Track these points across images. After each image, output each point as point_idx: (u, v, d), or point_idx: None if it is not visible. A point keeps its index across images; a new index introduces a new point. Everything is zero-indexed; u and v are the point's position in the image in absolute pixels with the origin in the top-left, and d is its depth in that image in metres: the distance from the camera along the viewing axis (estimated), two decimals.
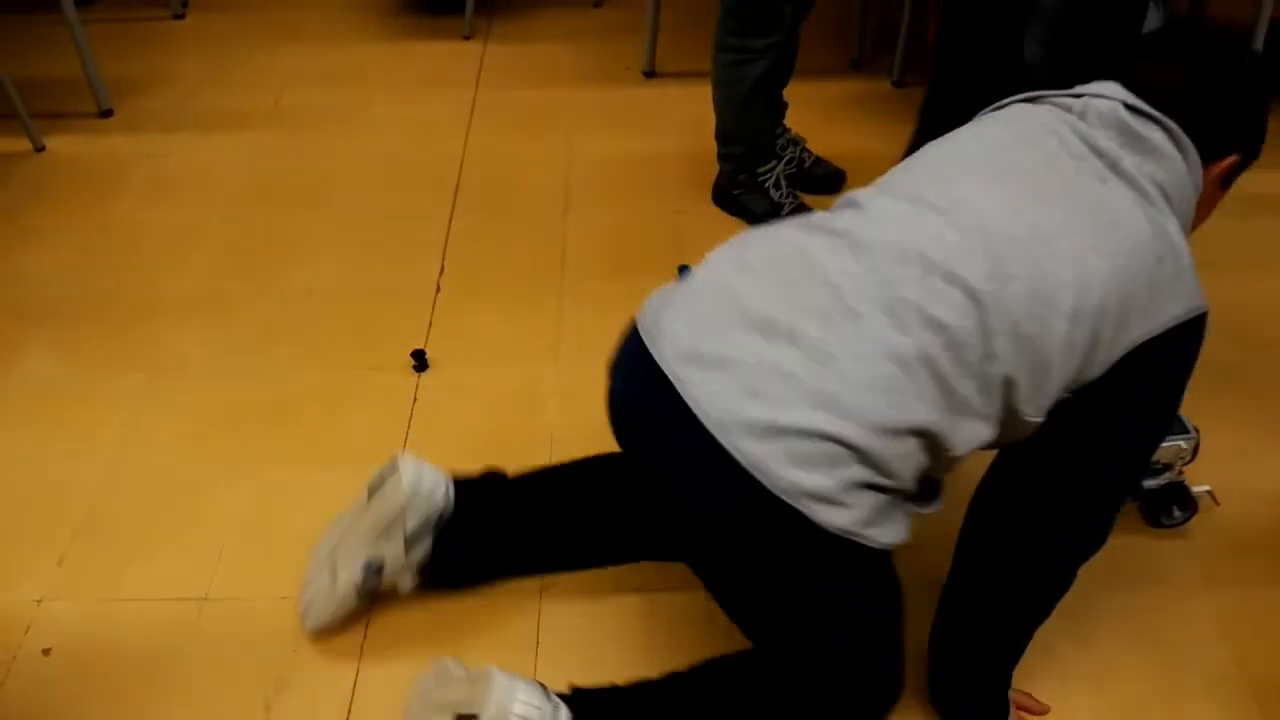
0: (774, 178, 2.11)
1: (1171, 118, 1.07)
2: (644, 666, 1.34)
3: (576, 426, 1.69)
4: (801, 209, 2.09)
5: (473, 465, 1.62)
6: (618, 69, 2.66)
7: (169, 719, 1.31)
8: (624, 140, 2.39)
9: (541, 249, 2.07)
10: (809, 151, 2.23)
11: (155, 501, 1.58)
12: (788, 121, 2.18)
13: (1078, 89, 1.14)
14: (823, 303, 1.03)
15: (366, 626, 1.40)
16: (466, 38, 2.79)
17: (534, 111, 2.50)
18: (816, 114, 2.45)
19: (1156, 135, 1.07)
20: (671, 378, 1.05)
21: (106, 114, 2.51)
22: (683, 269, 1.96)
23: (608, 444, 1.64)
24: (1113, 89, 1.11)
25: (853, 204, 1.14)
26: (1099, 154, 1.07)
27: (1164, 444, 1.42)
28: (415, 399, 1.74)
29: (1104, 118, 1.09)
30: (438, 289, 1.97)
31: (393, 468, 1.35)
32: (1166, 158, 1.07)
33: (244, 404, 1.74)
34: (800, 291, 1.05)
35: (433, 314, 1.92)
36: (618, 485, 1.38)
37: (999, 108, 1.20)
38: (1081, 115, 1.10)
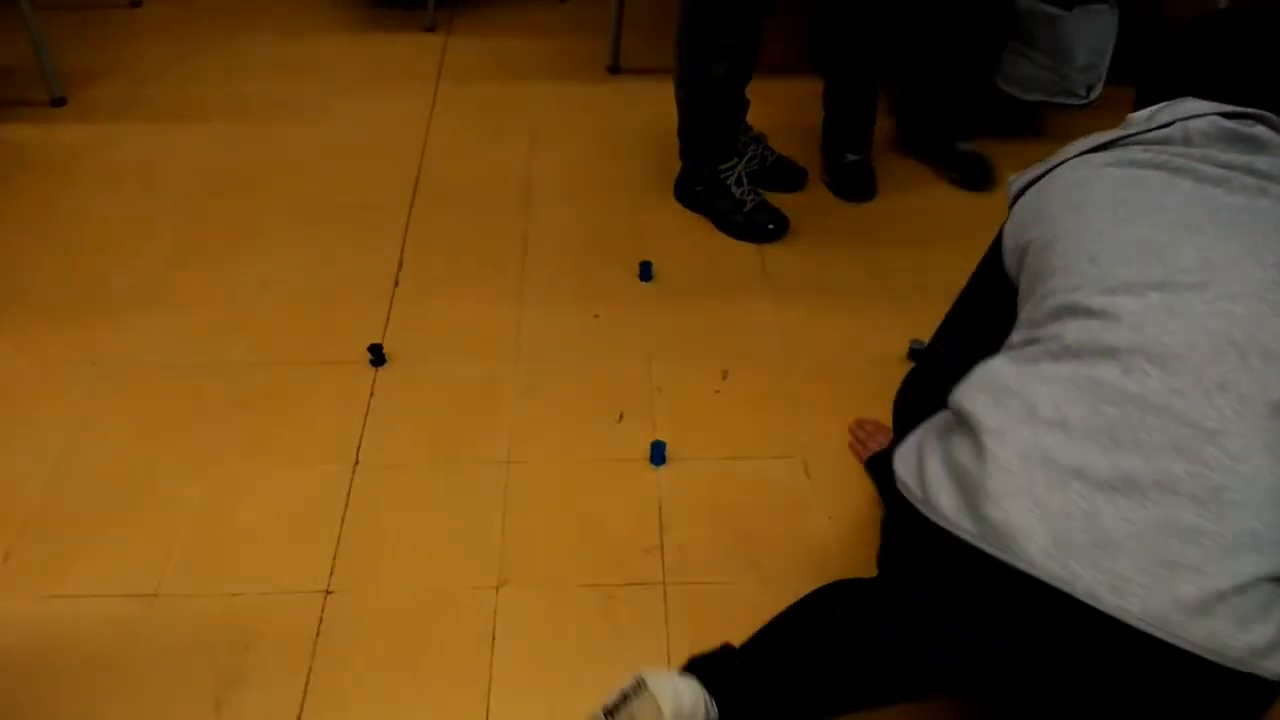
0: (735, 175, 2.09)
1: (1259, 107, 1.05)
2: (602, 662, 1.35)
3: (535, 421, 1.68)
4: (763, 207, 2.08)
5: (429, 459, 1.62)
6: (582, 64, 2.65)
7: (117, 717, 1.29)
8: (587, 135, 2.38)
9: (503, 243, 2.06)
10: (771, 149, 2.23)
11: (105, 496, 1.56)
12: (750, 119, 2.18)
13: (1153, 120, 1.10)
14: (1169, 434, 0.91)
15: (320, 623, 1.39)
16: (428, 30, 2.77)
17: (496, 105, 2.48)
18: (778, 111, 2.45)
19: (1259, 130, 1.04)
20: (1055, 581, 0.90)
21: (59, 103, 2.46)
22: (644, 264, 1.98)
23: (567, 436, 1.65)
24: (1193, 105, 1.08)
25: (1083, 313, 1.00)
26: (1235, 169, 1.03)
27: None
28: (372, 394, 1.73)
29: (1209, 135, 1.05)
30: (396, 282, 1.96)
31: (638, 686, 1.12)
32: (1277, 146, 1.05)
33: (197, 397, 1.72)
34: (1133, 432, 0.93)
35: (391, 308, 1.90)
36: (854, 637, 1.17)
37: (1074, 166, 1.13)
38: (1186, 142, 1.06)
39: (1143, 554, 0.89)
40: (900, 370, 1.78)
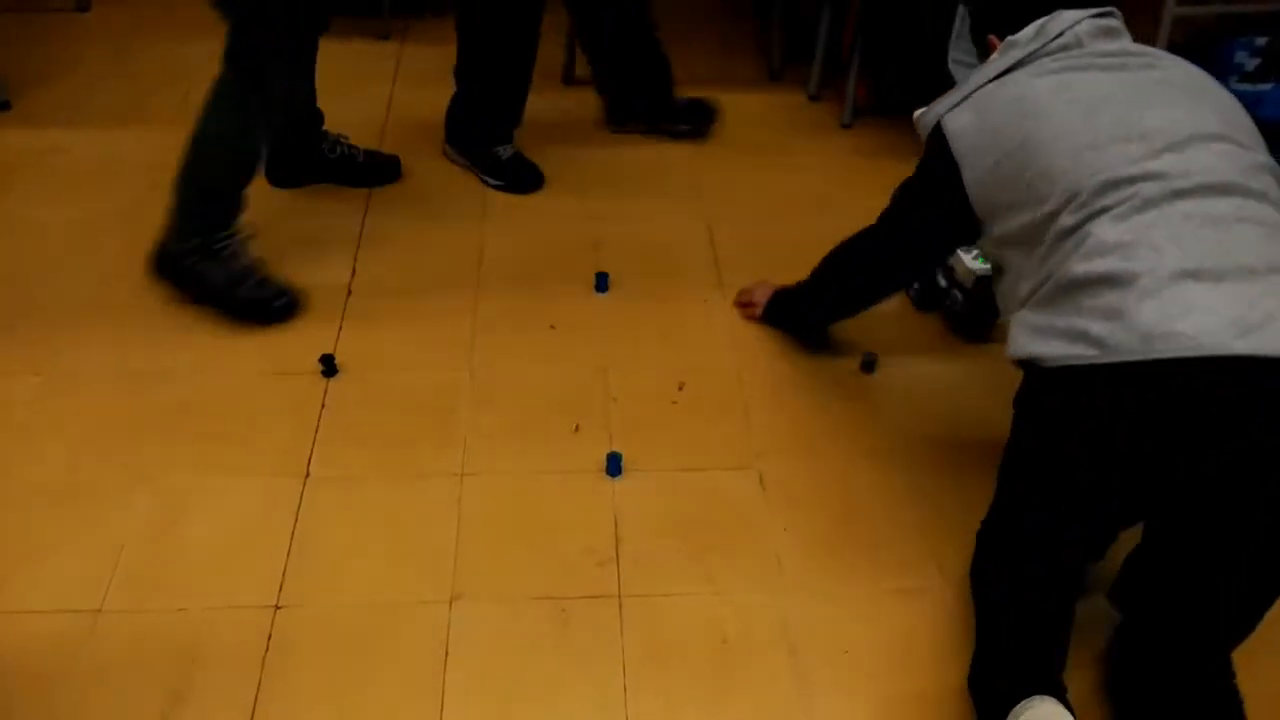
0: (232, 245, 1.84)
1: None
2: (557, 676, 1.34)
3: (489, 432, 1.67)
4: (267, 280, 1.85)
5: (381, 471, 1.60)
6: (537, 76, 2.64)
7: None
8: (542, 145, 2.38)
9: (457, 253, 2.05)
10: (353, 146, 2.20)
11: (47, 510, 1.52)
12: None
13: (1044, 34, 1.37)
14: (1257, 234, 1.20)
15: (269, 639, 1.37)
16: (384, 38, 2.75)
17: None
18: (735, 125, 2.48)
19: (1114, 22, 1.39)
20: (1254, 352, 1.11)
21: (4, 107, 2.41)
22: (600, 276, 1.98)
23: (522, 447, 1.64)
24: (1069, 14, 1.37)
25: (1126, 182, 1.22)
26: (1121, 55, 1.35)
27: None
28: (324, 405, 1.71)
29: (1091, 35, 1.36)
30: (349, 292, 1.94)
31: None
32: (1125, 31, 1.40)
33: (144, 408, 1.68)
34: (1233, 240, 1.18)
35: (343, 318, 1.88)
36: None
37: (999, 86, 1.38)
38: (1079, 45, 1.36)
39: None
40: (854, 381, 1.81)
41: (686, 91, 2.55)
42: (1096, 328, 1.18)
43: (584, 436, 1.68)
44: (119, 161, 2.26)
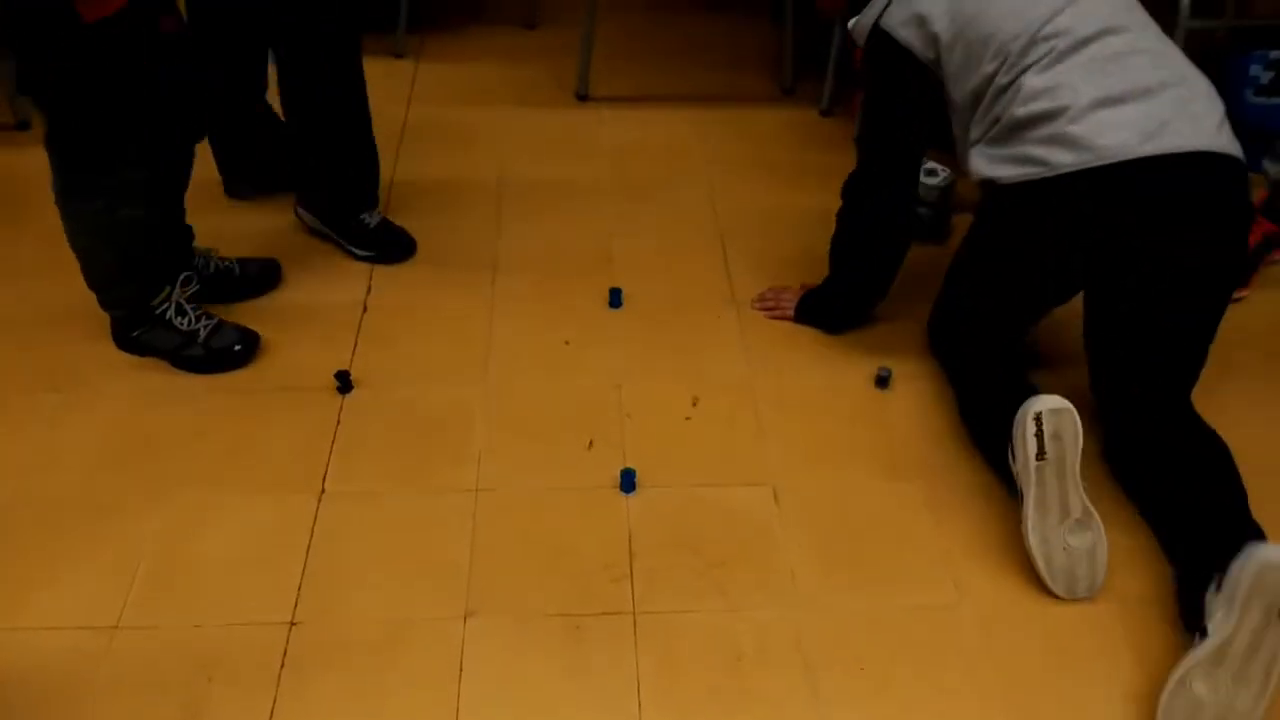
0: (172, 305, 1.78)
1: None
2: (571, 693, 1.34)
3: (504, 447, 1.68)
4: (221, 328, 1.79)
5: (396, 487, 1.60)
6: (551, 91, 2.66)
7: None
8: (556, 161, 2.39)
9: (471, 268, 2.06)
10: (226, 259, 1.96)
11: (64, 525, 1.53)
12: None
13: None
14: (1146, 62, 1.52)
15: (284, 655, 1.37)
16: (398, 56, 2.77)
17: (466, 131, 2.49)
18: (747, 140, 2.48)
19: None
20: (1165, 150, 1.45)
21: (23, 126, 2.44)
22: (614, 291, 1.98)
23: (536, 463, 1.64)
24: None
25: (1043, 39, 1.52)
26: None
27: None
28: (339, 421, 1.71)
29: None
30: (364, 308, 1.95)
31: (1040, 419, 1.43)
32: None
33: (161, 424, 1.69)
34: (1132, 68, 1.51)
35: (358, 334, 1.89)
36: None
37: None
38: None
39: (1186, 122, 1.46)
40: (868, 396, 1.80)
41: (702, 107, 2.57)
42: (1039, 152, 1.51)
43: (598, 452, 1.68)
44: None
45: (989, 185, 1.62)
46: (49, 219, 2.16)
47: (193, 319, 1.77)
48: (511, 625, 1.42)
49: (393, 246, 2.08)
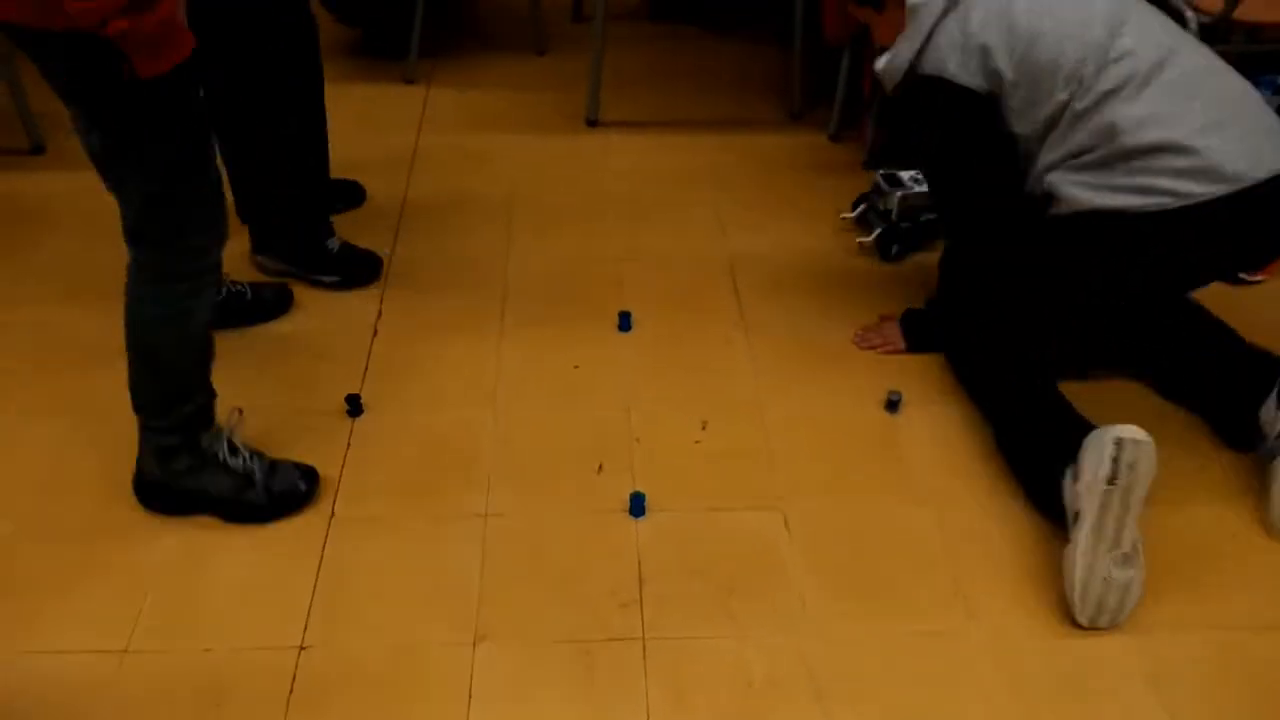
0: (224, 443, 1.57)
1: None
2: (581, 718, 1.33)
3: (514, 473, 1.68)
4: (276, 466, 1.60)
5: (406, 511, 1.60)
6: (560, 117, 2.68)
7: None
8: (566, 187, 2.40)
9: (482, 293, 2.07)
10: (238, 283, 1.93)
11: (76, 550, 1.53)
12: None
13: None
14: (1219, 86, 1.59)
15: (293, 681, 1.37)
16: (409, 82, 2.80)
17: (476, 156, 2.50)
18: (756, 165, 2.49)
19: None
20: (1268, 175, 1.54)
21: (38, 150, 2.46)
22: (623, 315, 1.99)
23: (545, 487, 1.64)
24: None
25: (1113, 61, 1.55)
26: None
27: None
28: (349, 445, 1.72)
29: None
30: (375, 332, 1.96)
31: (1120, 444, 1.41)
32: None
33: None
34: (1212, 92, 1.57)
35: (369, 358, 1.90)
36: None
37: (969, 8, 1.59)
38: None
39: (1269, 139, 1.56)
40: (879, 419, 1.80)
41: (710, 131, 2.58)
42: (1165, 183, 1.53)
43: (607, 476, 1.68)
44: None
45: (1090, 217, 1.60)
46: (61, 246, 2.18)
47: (246, 458, 1.57)
48: (521, 651, 1.41)
49: (359, 268, 2.06)
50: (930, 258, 2.19)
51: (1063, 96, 1.56)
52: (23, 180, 2.36)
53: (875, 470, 1.70)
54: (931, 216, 2.18)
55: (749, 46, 3.03)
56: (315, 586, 1.49)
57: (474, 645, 1.42)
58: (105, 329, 1.94)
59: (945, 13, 1.59)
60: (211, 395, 1.56)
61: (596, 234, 2.26)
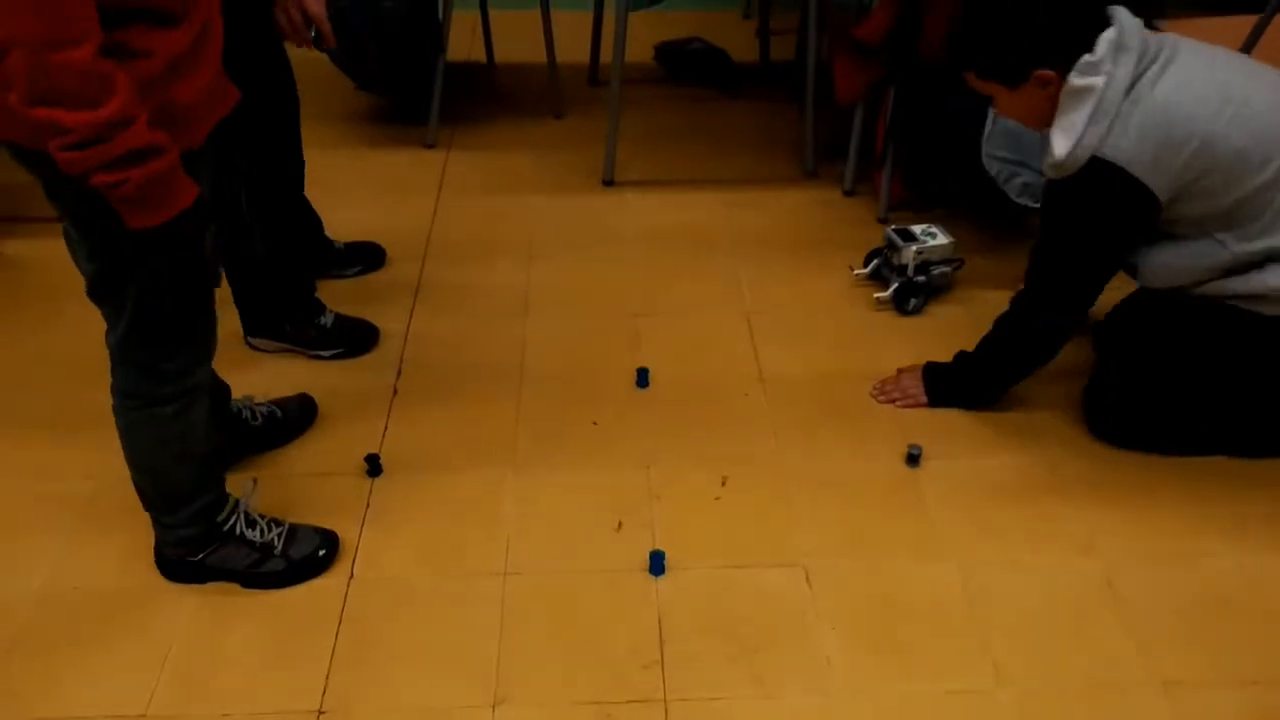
0: (242, 517, 1.58)
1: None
2: None
3: (533, 531, 1.67)
4: (295, 533, 1.60)
5: (425, 571, 1.60)
6: (577, 177, 2.72)
7: None
8: (583, 246, 2.43)
9: (500, 352, 2.08)
10: (264, 404, 1.86)
11: (96, 615, 1.53)
12: None
13: (1123, 45, 1.54)
14: None
15: None
16: (429, 146, 2.85)
17: (495, 217, 2.53)
18: (772, 220, 2.51)
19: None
20: None
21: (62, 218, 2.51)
22: (641, 371, 1.99)
23: (565, 545, 1.63)
24: (1129, 21, 1.56)
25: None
26: (1165, 44, 1.59)
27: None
28: (368, 505, 1.72)
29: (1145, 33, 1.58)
30: (395, 392, 1.97)
31: None
32: None
33: None
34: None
35: (388, 418, 1.90)
36: None
37: (1152, 105, 1.54)
38: (1158, 43, 1.57)
39: None
40: (899, 474, 1.78)
41: (725, 189, 2.61)
42: None
43: (626, 534, 1.67)
44: None
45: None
46: (85, 311, 2.20)
47: (265, 528, 1.58)
48: (541, 714, 1.39)
49: (359, 338, 2.07)
50: (947, 309, 2.19)
51: (1261, 180, 1.55)
52: (48, 247, 2.36)
53: (897, 525, 1.69)
54: (945, 269, 2.19)
55: (763, 106, 3.07)
56: (334, 649, 1.48)
57: (494, 708, 1.40)
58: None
59: (1123, 97, 1.54)
60: (221, 485, 1.56)
61: (614, 291, 2.27)
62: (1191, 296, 1.69)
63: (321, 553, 1.60)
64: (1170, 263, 1.67)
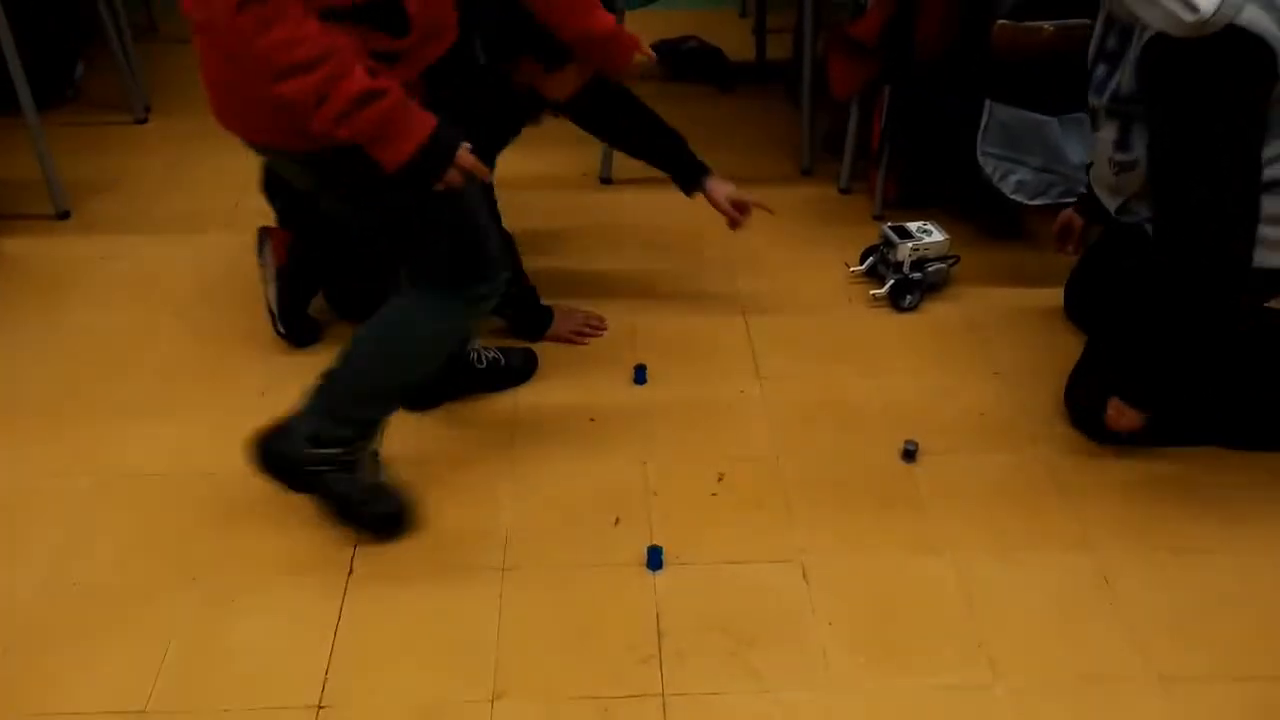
0: (370, 455, 1.66)
1: None
2: None
3: (530, 525, 1.68)
4: (383, 490, 1.67)
5: (424, 566, 1.60)
6: (575, 176, 2.72)
7: None
8: (580, 242, 2.43)
9: None
10: (490, 349, 1.96)
11: (95, 610, 1.53)
12: None
13: None
14: None
15: None
16: None
17: None
18: (768, 219, 2.51)
19: None
20: None
21: (64, 215, 2.51)
22: (639, 368, 2.00)
23: (562, 540, 1.64)
24: None
25: None
26: None
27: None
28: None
29: None
30: None
31: None
32: None
33: (192, 508, 1.71)
34: None
35: None
36: None
37: None
38: None
39: None
40: (896, 470, 1.79)
41: None
42: None
43: (624, 529, 1.68)
44: (173, 267, 2.34)
45: None
46: (83, 308, 2.22)
47: (374, 476, 1.65)
48: (540, 709, 1.40)
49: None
50: (943, 306, 2.20)
51: None
52: (46, 245, 2.41)
53: (893, 520, 1.69)
54: (941, 266, 2.19)
55: (760, 104, 3.08)
56: (334, 644, 1.48)
57: (492, 703, 1.40)
58: (124, 389, 1.97)
59: None
60: (387, 419, 1.65)
61: (611, 288, 2.28)
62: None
63: (400, 514, 1.65)
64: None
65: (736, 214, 2.10)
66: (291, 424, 1.56)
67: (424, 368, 1.60)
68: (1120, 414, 1.71)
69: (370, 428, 1.61)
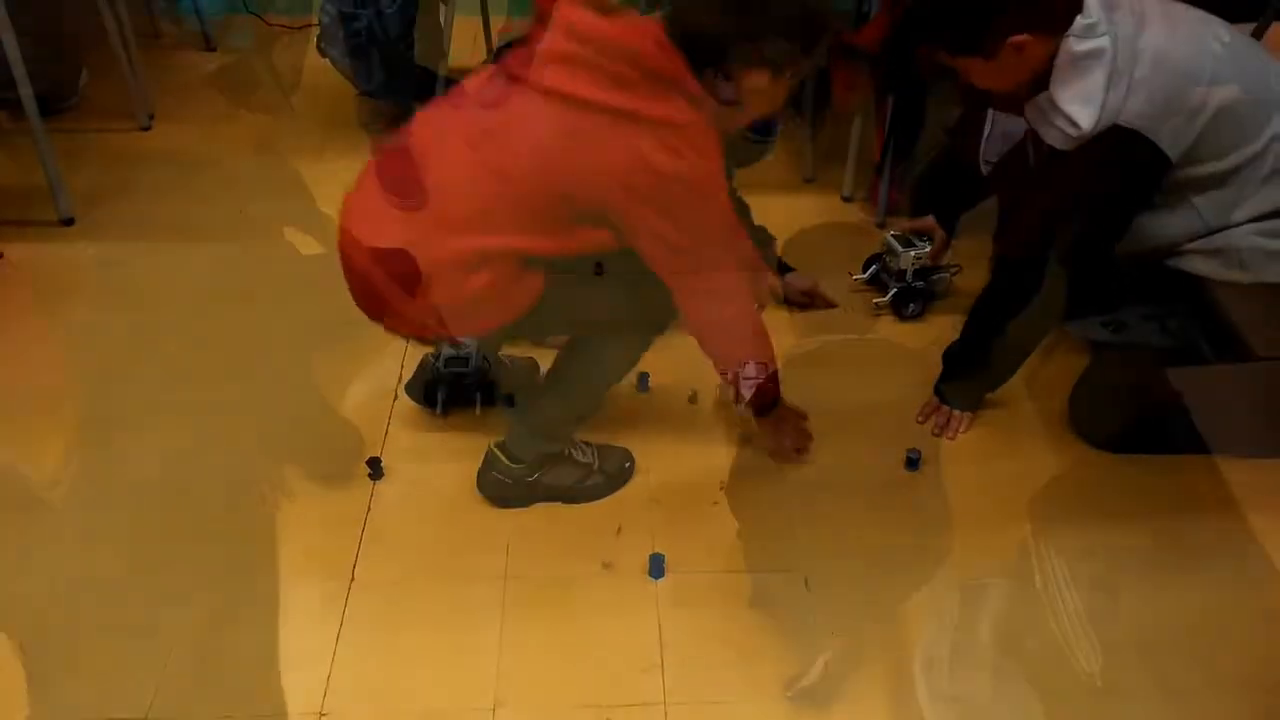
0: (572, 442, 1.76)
1: None
2: None
3: (533, 535, 1.67)
4: (608, 451, 1.79)
5: (426, 575, 1.60)
6: None
7: None
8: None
9: None
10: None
11: (98, 617, 1.53)
12: None
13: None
14: None
15: None
16: None
17: None
18: (772, 226, 2.52)
19: None
20: None
21: (68, 222, 2.51)
22: (642, 376, 1.99)
23: (564, 549, 1.64)
24: None
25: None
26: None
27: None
28: (369, 508, 1.72)
29: None
30: (396, 396, 1.97)
31: None
32: None
33: (195, 514, 1.71)
34: None
35: (389, 421, 1.91)
36: None
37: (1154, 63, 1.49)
38: None
39: None
40: (898, 479, 1.79)
41: None
42: None
43: (626, 538, 1.67)
44: (177, 273, 2.34)
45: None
46: (86, 315, 2.22)
47: (582, 449, 1.75)
48: (541, 717, 1.40)
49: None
50: (946, 315, 2.20)
51: (1268, 136, 1.52)
52: (50, 251, 2.41)
53: (896, 529, 1.69)
54: (944, 274, 2.20)
55: None
56: (335, 652, 1.48)
57: (493, 711, 1.40)
58: (126, 397, 1.97)
59: (1134, 61, 1.49)
60: None
61: None
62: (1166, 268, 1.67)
63: (627, 464, 1.77)
64: (1146, 226, 1.65)
65: (808, 301, 2.22)
66: (498, 467, 1.71)
67: (604, 386, 1.70)
68: (946, 419, 1.89)
69: (570, 430, 1.74)
